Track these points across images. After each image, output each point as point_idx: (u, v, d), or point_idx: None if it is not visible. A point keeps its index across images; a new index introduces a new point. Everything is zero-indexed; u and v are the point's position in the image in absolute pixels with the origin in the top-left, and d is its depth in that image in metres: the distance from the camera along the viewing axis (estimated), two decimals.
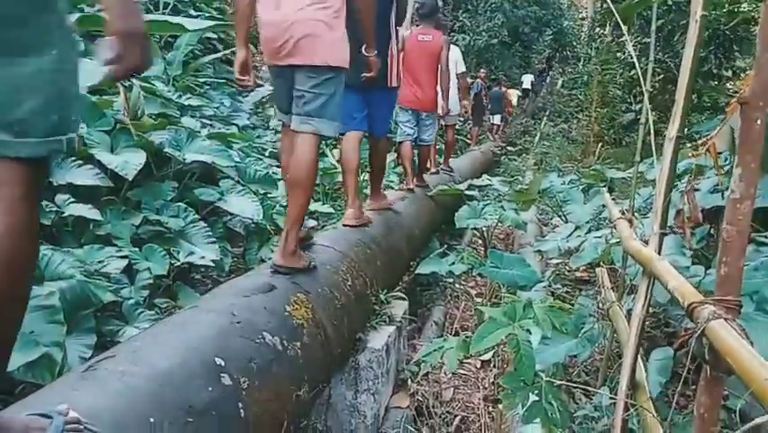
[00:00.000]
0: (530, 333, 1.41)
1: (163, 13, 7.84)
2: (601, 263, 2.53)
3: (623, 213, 3.68)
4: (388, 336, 2.30)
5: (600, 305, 2.08)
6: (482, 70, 13.09)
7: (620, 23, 2.41)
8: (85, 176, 3.59)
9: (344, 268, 2.24)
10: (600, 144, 12.97)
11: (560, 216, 5.19)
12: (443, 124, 5.80)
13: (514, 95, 16.14)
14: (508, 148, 12.74)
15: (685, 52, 1.45)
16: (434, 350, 1.67)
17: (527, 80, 19.15)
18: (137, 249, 3.50)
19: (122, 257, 3.30)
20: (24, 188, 1.02)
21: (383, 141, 3.51)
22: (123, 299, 3.07)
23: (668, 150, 1.41)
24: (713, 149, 2.26)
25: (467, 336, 1.66)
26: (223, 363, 1.32)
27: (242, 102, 8.11)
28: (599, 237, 3.10)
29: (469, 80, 8.31)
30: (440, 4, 13.91)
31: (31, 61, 1.01)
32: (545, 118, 17.03)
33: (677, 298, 1.12)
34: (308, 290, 1.89)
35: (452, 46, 5.34)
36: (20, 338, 2.33)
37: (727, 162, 2.68)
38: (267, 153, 6.59)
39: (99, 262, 3.22)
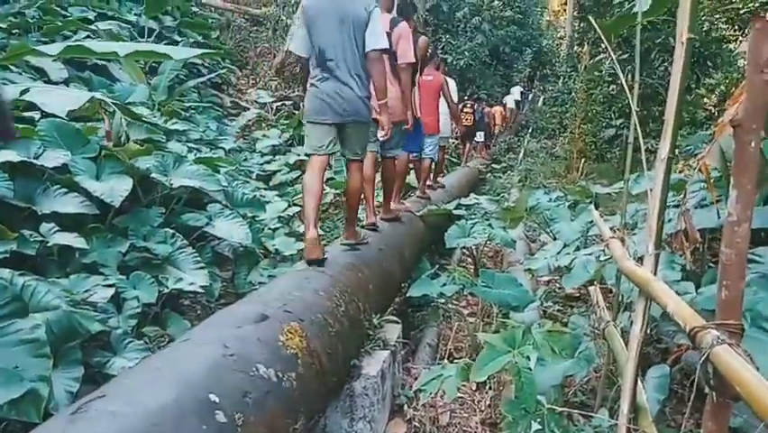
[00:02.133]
0: (530, 360, 1.39)
1: (148, 41, 7.85)
2: (594, 282, 2.53)
3: (614, 231, 3.71)
4: (383, 362, 2.27)
5: (595, 324, 2.08)
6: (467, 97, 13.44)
7: (605, 41, 2.45)
8: (70, 204, 3.54)
9: (337, 293, 2.21)
10: (583, 160, 13.12)
11: (547, 233, 5.22)
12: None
13: (497, 112, 16.57)
14: (493, 165, 12.85)
15: (672, 74, 1.47)
16: (433, 378, 1.65)
17: (517, 92, 19.37)
18: (124, 277, 3.44)
19: (109, 286, 3.24)
20: None
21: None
22: (111, 328, 3.00)
23: (660, 170, 1.42)
24: (705, 167, 2.30)
25: (464, 362, 1.64)
26: (217, 400, 1.28)
27: (229, 125, 8.11)
28: (589, 255, 3.12)
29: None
30: (421, 18, 14.23)
31: None
32: (528, 135, 17.22)
33: (677, 321, 1.12)
34: (302, 317, 1.85)
35: (448, 79, 6.23)
36: (3, 374, 2.27)
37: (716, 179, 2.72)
38: (254, 176, 6.58)
39: (86, 291, 3.15)
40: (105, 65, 7.15)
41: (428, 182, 5.71)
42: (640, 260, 2.58)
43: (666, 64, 12.96)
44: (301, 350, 1.71)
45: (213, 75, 7.49)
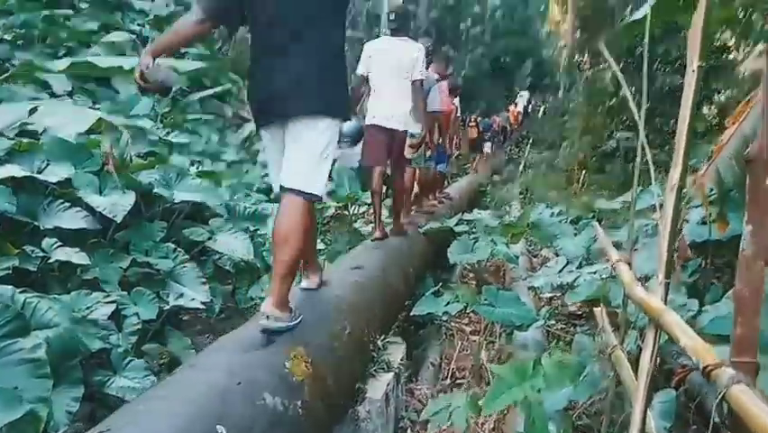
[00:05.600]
0: (540, 392, 1.38)
1: None
2: (600, 303, 2.52)
3: (620, 247, 3.70)
4: (387, 385, 2.24)
5: (601, 346, 2.07)
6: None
7: (607, 57, 2.44)
8: (72, 219, 3.53)
9: (343, 315, 2.20)
10: (584, 172, 13.13)
11: (548, 248, 5.20)
12: None
13: (511, 113, 17.11)
14: (494, 177, 12.89)
15: (683, 100, 1.46)
16: (442, 409, 1.63)
17: (526, 95, 19.42)
18: (125, 293, 3.42)
19: (109, 302, 3.23)
20: None
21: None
22: (112, 346, 2.98)
23: (670, 198, 1.40)
24: (702, 187, 2.29)
25: (472, 393, 1.63)
26: (224, 431, 1.27)
27: (230, 135, 8.13)
28: (594, 272, 3.11)
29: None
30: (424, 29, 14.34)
31: None
32: (529, 146, 17.27)
33: (690, 356, 1.10)
34: (307, 341, 1.84)
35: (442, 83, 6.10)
36: (2, 395, 2.25)
37: (713, 193, 2.72)
38: (255, 189, 6.57)
39: (87, 308, 3.14)
40: (107, 76, 7.19)
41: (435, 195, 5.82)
42: (646, 279, 2.57)
43: (668, 75, 13.05)
44: (307, 376, 1.70)
45: (218, 89, 7.49)
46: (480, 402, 1.48)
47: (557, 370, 1.50)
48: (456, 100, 6.65)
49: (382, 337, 2.48)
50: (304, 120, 2.22)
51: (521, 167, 14.22)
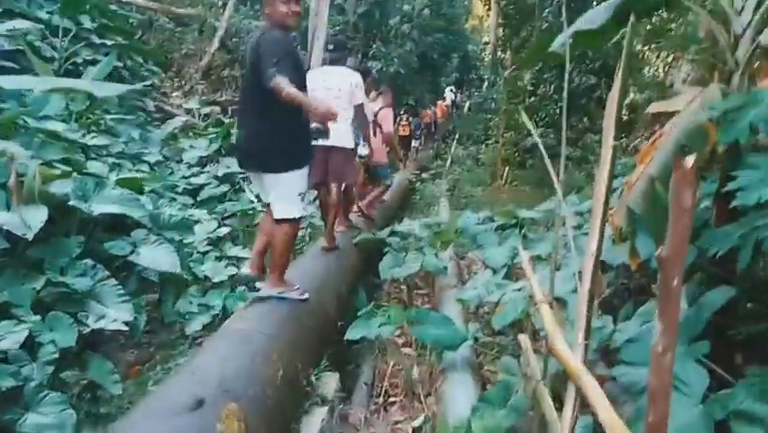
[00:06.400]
0: None
1: (63, 41, 7.35)
2: (523, 328, 2.66)
3: (540, 258, 3.88)
4: (322, 420, 2.24)
5: (525, 374, 2.18)
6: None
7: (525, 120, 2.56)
8: None
9: (276, 356, 2.17)
10: (507, 168, 13.65)
11: (475, 250, 5.38)
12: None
13: (439, 107, 17.46)
14: (422, 175, 13.11)
15: (598, 176, 1.49)
16: None
17: (450, 93, 19.83)
18: (39, 317, 3.21)
19: (22, 330, 3.02)
20: None
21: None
22: (25, 381, 2.78)
23: (588, 265, 1.48)
24: (614, 223, 2.45)
25: None
26: None
27: (153, 132, 7.73)
28: (518, 290, 3.26)
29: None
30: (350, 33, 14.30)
31: None
32: (455, 142, 17.68)
33: (606, 430, 1.18)
34: (239, 394, 1.79)
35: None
36: None
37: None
38: (180, 190, 6.32)
39: None
40: (12, 66, 6.62)
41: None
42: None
43: (583, 74, 13.77)
44: None
45: (139, 86, 7.08)
46: None
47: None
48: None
49: (315, 372, 2.49)
50: (273, 174, 2.96)
51: (448, 162, 14.55)
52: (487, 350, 3.11)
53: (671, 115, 2.31)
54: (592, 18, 2.62)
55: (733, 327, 2.01)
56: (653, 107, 2.23)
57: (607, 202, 1.33)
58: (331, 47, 4.41)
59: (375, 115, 5.82)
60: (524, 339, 2.35)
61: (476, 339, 3.11)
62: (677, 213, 0.95)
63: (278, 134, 2.90)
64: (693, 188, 0.89)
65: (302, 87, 2.87)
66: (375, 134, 6.34)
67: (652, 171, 2.05)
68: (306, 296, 2.93)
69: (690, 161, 0.89)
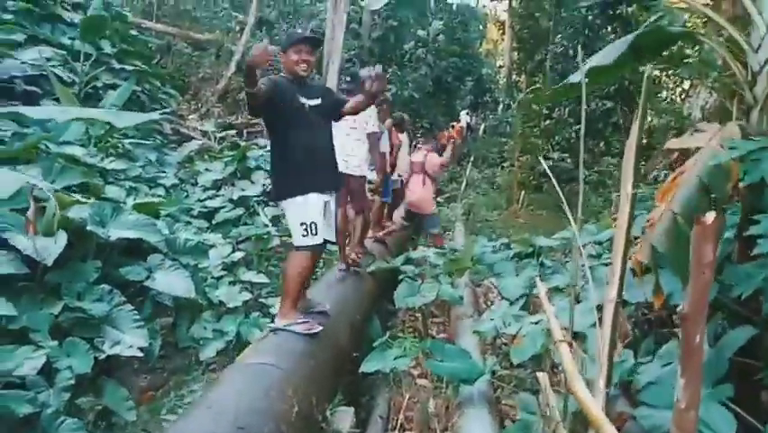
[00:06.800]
0: None
1: (84, 66, 7.52)
2: (542, 362, 2.61)
3: (558, 290, 3.83)
4: None
5: (544, 414, 2.14)
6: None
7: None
8: None
9: (291, 391, 2.15)
10: (523, 192, 13.59)
11: (491, 280, 5.34)
12: None
13: (456, 129, 17.49)
14: (437, 198, 13.08)
15: (618, 224, 1.48)
16: None
17: (467, 116, 19.86)
18: (57, 343, 3.23)
19: (40, 355, 3.04)
20: None
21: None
22: (42, 407, 2.79)
23: (608, 311, 1.47)
24: (637, 262, 2.42)
25: None
26: None
27: (169, 155, 7.83)
28: (536, 323, 3.21)
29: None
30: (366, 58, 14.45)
31: None
32: (470, 165, 17.67)
33: None
34: (255, 431, 1.78)
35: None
36: None
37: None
38: (195, 213, 6.37)
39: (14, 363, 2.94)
40: (34, 91, 6.79)
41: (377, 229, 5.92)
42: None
43: (599, 100, 13.77)
44: None
45: (157, 115, 7.19)
46: None
47: None
48: (403, 136, 6.96)
49: (330, 406, 2.46)
50: (279, 203, 3.35)
51: (463, 185, 14.53)
52: (504, 384, 3.06)
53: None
54: (607, 54, 2.63)
55: (756, 368, 1.97)
56: (673, 143, 2.21)
57: (627, 251, 1.31)
58: (348, 79, 4.64)
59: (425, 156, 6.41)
60: (543, 377, 2.30)
61: (493, 373, 3.07)
62: (698, 269, 0.94)
63: (273, 163, 3.26)
64: (714, 244, 0.88)
65: (297, 125, 3.10)
66: (423, 183, 6.79)
67: (674, 209, 2.03)
68: (316, 330, 2.87)
69: (710, 217, 0.88)
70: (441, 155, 7.90)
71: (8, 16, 7.34)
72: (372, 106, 4.56)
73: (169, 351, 4.37)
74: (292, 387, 2.19)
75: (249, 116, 11.55)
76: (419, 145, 7.15)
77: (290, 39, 3.28)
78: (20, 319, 3.21)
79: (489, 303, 4.96)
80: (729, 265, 2.30)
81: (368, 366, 2.83)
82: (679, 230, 1.89)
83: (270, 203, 6.80)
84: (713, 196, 1.86)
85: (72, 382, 3.04)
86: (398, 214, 7.40)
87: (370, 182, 4.99)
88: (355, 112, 3.39)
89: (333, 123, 3.35)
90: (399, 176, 6.94)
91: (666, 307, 2.98)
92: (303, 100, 3.12)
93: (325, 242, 3.14)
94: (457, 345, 3.48)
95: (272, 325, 2.98)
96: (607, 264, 3.96)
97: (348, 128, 4.27)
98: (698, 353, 0.95)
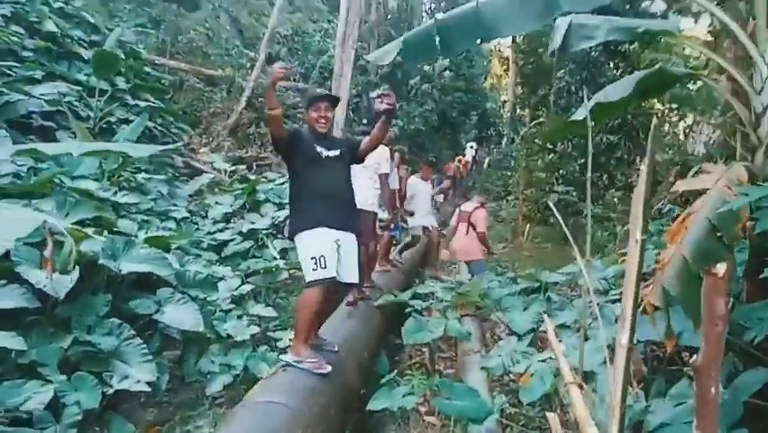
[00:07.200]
0: None
1: (99, 101, 7.70)
2: (551, 400, 2.59)
3: (565, 326, 3.82)
4: None
5: None
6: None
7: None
8: (9, 297, 3.34)
9: (300, 432, 2.14)
10: (528, 225, 13.59)
11: (497, 315, 5.31)
12: None
13: (462, 162, 17.71)
14: (443, 231, 13.11)
15: (627, 270, 1.50)
16: None
17: (473, 149, 20.06)
18: (65, 377, 3.23)
19: (47, 390, 3.04)
20: None
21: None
22: None
23: (620, 357, 1.47)
24: (649, 305, 2.43)
25: None
26: None
27: (180, 188, 7.92)
28: (544, 361, 3.20)
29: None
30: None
31: None
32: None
33: None
34: None
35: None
36: None
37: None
38: (205, 245, 6.42)
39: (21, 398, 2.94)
40: (51, 126, 6.94)
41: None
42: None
43: (603, 135, 13.89)
44: None
45: (170, 148, 7.33)
46: None
47: None
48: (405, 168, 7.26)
49: None
50: (293, 240, 3.28)
51: None
52: (513, 423, 3.03)
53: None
54: (612, 92, 2.70)
55: None
56: (680, 185, 2.25)
57: (636, 297, 1.33)
58: (364, 122, 4.88)
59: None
60: (553, 419, 2.28)
61: (502, 411, 3.04)
62: (710, 321, 0.96)
63: (290, 201, 3.39)
64: (726, 296, 0.90)
65: (313, 169, 3.26)
66: (467, 232, 6.89)
67: (684, 253, 2.04)
68: (326, 370, 2.87)
69: (721, 268, 0.90)
70: (448, 184, 8.21)
71: (28, 54, 7.56)
72: (386, 148, 4.75)
73: (175, 384, 4.35)
74: (301, 427, 2.18)
75: (258, 150, 11.78)
76: (474, 197, 7.36)
77: (310, 98, 3.50)
78: (29, 353, 3.22)
79: (496, 337, 4.92)
80: (740, 305, 2.30)
81: (375, 404, 2.81)
82: (690, 273, 1.90)
83: (279, 236, 6.86)
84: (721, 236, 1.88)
85: (79, 417, 3.03)
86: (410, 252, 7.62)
87: (381, 220, 5.19)
88: (374, 145, 3.51)
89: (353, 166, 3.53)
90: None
91: (676, 344, 2.97)
92: (320, 150, 3.27)
93: (343, 283, 3.22)
94: (465, 380, 3.46)
95: (283, 358, 2.99)
96: (614, 301, 3.95)
97: (361, 167, 4.39)
98: (713, 404, 0.96)
